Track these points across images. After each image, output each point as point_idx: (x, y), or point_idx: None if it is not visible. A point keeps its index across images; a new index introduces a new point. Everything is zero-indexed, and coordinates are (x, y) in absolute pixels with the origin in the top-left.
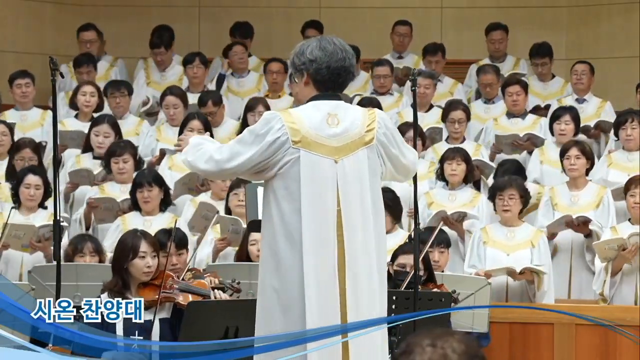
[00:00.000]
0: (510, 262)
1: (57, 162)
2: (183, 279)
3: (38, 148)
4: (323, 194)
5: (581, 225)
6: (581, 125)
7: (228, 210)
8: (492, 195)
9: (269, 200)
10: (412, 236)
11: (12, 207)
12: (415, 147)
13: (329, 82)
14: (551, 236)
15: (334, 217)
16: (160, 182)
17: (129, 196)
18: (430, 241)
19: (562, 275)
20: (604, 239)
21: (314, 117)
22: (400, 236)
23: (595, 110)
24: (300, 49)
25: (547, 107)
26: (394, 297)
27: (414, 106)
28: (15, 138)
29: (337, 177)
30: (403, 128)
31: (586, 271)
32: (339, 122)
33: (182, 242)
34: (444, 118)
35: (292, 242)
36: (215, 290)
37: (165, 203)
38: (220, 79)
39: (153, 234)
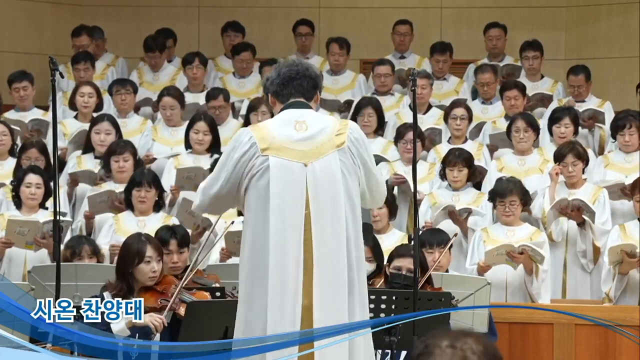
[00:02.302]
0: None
1: (57, 162)
2: (188, 282)
3: (45, 149)
4: (291, 198)
5: (575, 211)
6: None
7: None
8: (493, 199)
9: (248, 208)
10: (412, 236)
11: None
12: (415, 147)
13: (285, 89)
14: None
15: (301, 221)
16: (157, 183)
17: None
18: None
19: (557, 274)
20: (618, 244)
21: (282, 124)
22: (396, 237)
23: (595, 108)
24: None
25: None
26: (394, 297)
27: (414, 106)
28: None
29: (307, 181)
30: (402, 129)
31: (580, 270)
32: (308, 128)
33: (184, 241)
34: (446, 116)
35: (264, 247)
36: None
37: (159, 205)
38: None
39: (152, 234)
